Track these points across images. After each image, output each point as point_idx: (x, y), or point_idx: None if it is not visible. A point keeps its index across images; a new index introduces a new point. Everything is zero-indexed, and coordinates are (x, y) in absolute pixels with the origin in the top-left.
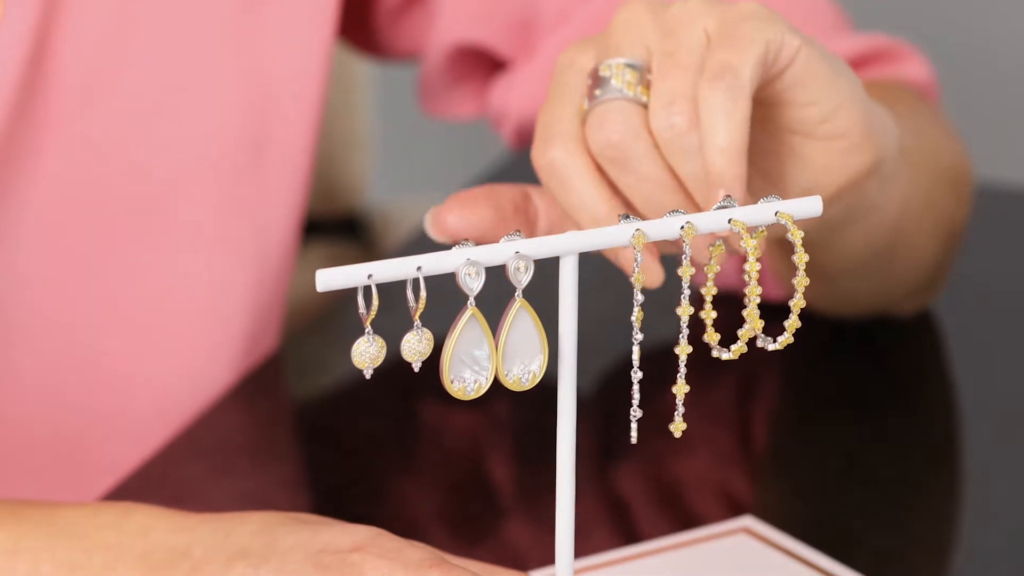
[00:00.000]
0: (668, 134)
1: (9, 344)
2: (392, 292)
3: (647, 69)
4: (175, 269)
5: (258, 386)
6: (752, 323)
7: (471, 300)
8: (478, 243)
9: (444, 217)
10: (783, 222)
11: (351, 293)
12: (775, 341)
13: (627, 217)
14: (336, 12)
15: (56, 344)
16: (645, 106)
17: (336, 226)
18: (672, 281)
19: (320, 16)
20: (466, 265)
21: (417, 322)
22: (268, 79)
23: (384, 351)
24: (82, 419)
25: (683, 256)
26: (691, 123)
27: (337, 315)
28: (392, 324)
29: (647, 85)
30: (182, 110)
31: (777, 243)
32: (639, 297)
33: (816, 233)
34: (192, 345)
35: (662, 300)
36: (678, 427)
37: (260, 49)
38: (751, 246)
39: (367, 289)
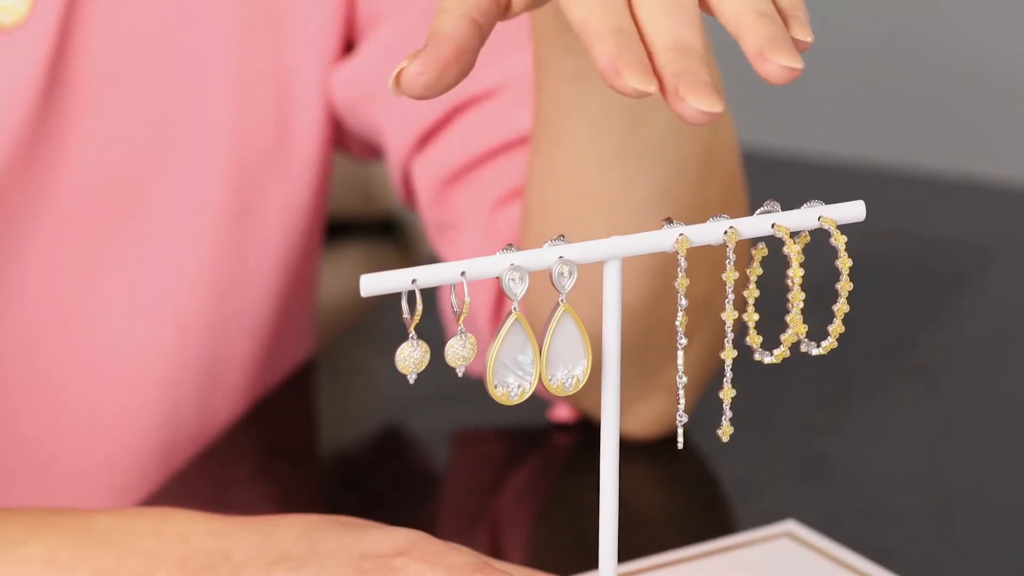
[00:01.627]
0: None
1: (22, 347)
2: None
3: None
4: (189, 270)
5: (296, 389)
6: (795, 327)
7: (515, 304)
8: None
9: (416, 83)
10: (826, 227)
11: (390, 296)
12: (819, 346)
13: (670, 222)
14: (346, 13)
15: (67, 344)
16: None
17: (373, 227)
18: None
19: (334, 22)
20: (510, 270)
21: (461, 327)
22: (286, 81)
23: (428, 355)
24: (103, 419)
25: (727, 260)
26: None
27: (375, 317)
28: (433, 327)
29: None
30: (199, 113)
31: None
32: (683, 302)
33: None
34: (215, 346)
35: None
36: (726, 432)
37: (279, 53)
38: (794, 251)
39: (411, 294)
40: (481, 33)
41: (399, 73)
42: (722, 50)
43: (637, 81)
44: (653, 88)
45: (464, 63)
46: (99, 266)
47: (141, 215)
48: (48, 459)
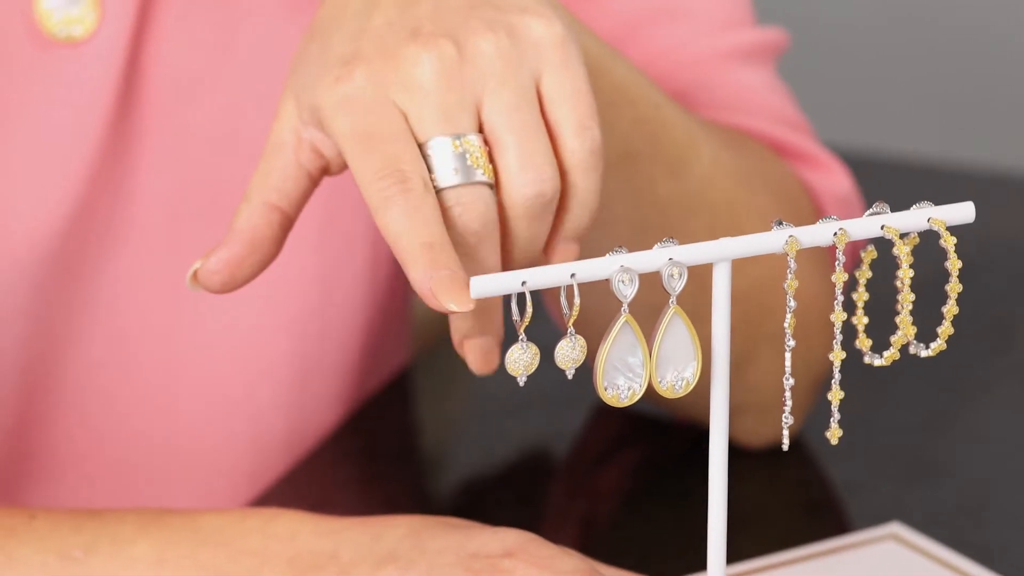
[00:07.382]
0: (536, 203)
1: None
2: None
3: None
4: (272, 279)
5: (401, 392)
6: (904, 329)
7: (624, 307)
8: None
9: (212, 281)
10: (935, 228)
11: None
12: (928, 348)
13: (780, 223)
14: None
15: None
16: (490, 186)
17: None
18: None
19: None
20: (620, 272)
21: (571, 329)
22: None
23: (538, 358)
24: (197, 423)
25: (836, 262)
26: (556, 190)
27: None
28: (538, 328)
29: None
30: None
31: None
32: (792, 304)
33: None
34: (304, 357)
35: None
36: (834, 434)
37: None
38: (903, 252)
39: (521, 296)
40: (283, 216)
41: (195, 271)
42: (827, 32)
43: (452, 302)
44: (470, 305)
45: (262, 254)
46: (180, 277)
47: (221, 225)
48: (149, 467)
